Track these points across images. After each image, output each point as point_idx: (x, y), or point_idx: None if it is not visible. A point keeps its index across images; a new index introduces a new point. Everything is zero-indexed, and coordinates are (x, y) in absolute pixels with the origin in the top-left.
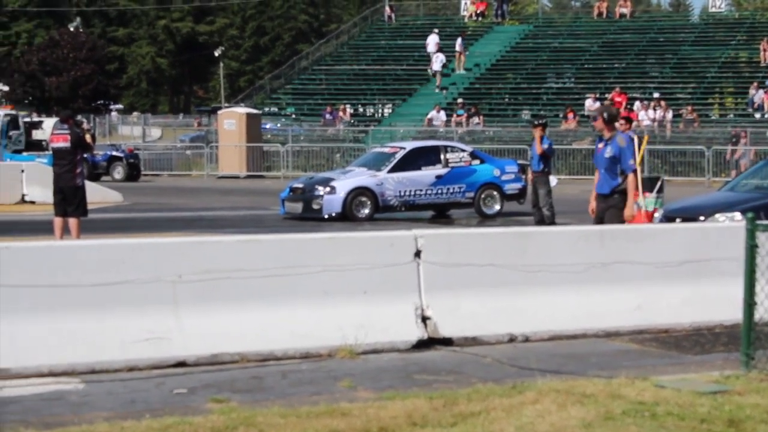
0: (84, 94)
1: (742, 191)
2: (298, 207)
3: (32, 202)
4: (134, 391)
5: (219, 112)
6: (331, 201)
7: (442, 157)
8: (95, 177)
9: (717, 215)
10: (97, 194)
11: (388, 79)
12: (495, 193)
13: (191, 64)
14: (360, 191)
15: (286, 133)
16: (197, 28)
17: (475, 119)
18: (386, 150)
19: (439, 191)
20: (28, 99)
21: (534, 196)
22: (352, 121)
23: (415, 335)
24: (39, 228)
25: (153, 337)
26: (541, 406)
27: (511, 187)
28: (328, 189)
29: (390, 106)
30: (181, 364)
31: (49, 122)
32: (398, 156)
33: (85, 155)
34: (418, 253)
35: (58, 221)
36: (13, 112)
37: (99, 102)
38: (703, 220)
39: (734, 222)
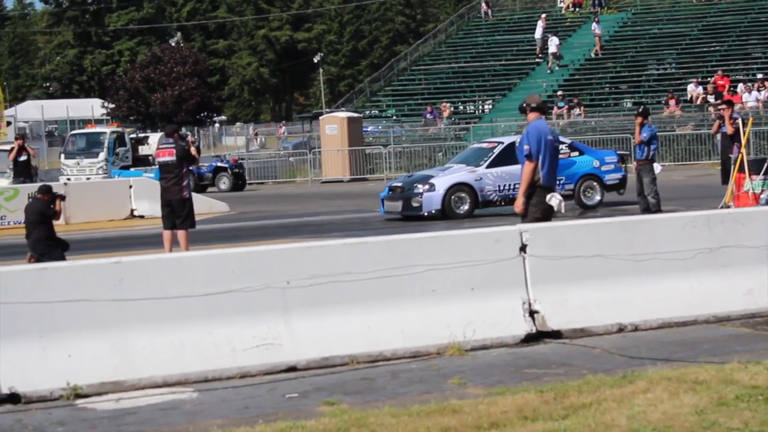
0: (188, 107)
1: None
2: (397, 206)
3: (141, 217)
4: (247, 398)
5: (320, 117)
6: (431, 198)
7: None
8: (201, 188)
9: None
10: (204, 205)
11: (487, 75)
12: (595, 183)
13: (291, 71)
14: (459, 187)
15: (388, 134)
16: (296, 35)
17: (576, 110)
18: (484, 145)
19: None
20: (133, 116)
21: (639, 185)
22: (453, 119)
23: (523, 329)
24: (149, 241)
25: (264, 343)
26: (653, 395)
27: (611, 178)
28: (427, 186)
29: (490, 102)
30: (292, 368)
31: (154, 137)
32: (496, 151)
33: (190, 168)
34: (523, 248)
35: (167, 234)
36: (120, 129)
37: (202, 114)
38: None
39: None
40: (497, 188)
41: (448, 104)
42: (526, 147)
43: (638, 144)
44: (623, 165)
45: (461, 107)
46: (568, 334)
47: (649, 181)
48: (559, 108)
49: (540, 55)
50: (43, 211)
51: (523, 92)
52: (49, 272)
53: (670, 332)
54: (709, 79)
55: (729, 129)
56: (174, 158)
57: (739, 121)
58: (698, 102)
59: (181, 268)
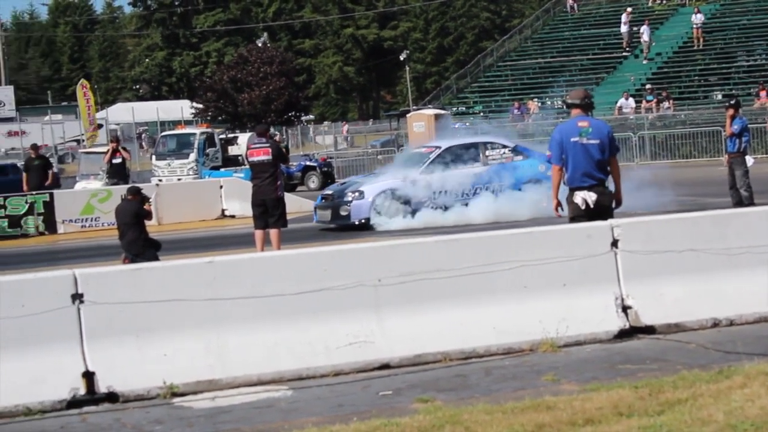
0: (276, 107)
1: None
2: (327, 214)
3: (232, 216)
4: (341, 395)
5: (407, 115)
6: (360, 206)
7: (481, 154)
8: (291, 188)
9: None
10: (294, 204)
11: (574, 70)
12: (540, 187)
13: (377, 69)
14: (390, 194)
15: (476, 131)
16: (382, 33)
17: (665, 104)
18: (423, 150)
19: (477, 191)
20: (221, 116)
21: (730, 178)
22: (541, 115)
23: (616, 325)
24: (240, 241)
25: (357, 341)
26: (750, 390)
27: None
28: (356, 194)
29: None
30: (384, 366)
31: (243, 138)
32: (433, 155)
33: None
34: (615, 243)
35: (259, 234)
36: (209, 129)
37: (290, 114)
38: None
39: None
40: (432, 195)
41: (536, 100)
42: (548, 153)
43: (729, 136)
44: None
45: (549, 103)
46: (661, 329)
47: (742, 174)
48: (647, 101)
49: (627, 49)
50: (137, 211)
51: (611, 86)
52: (144, 272)
53: (766, 327)
54: None
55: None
56: (269, 157)
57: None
58: None
59: (273, 267)
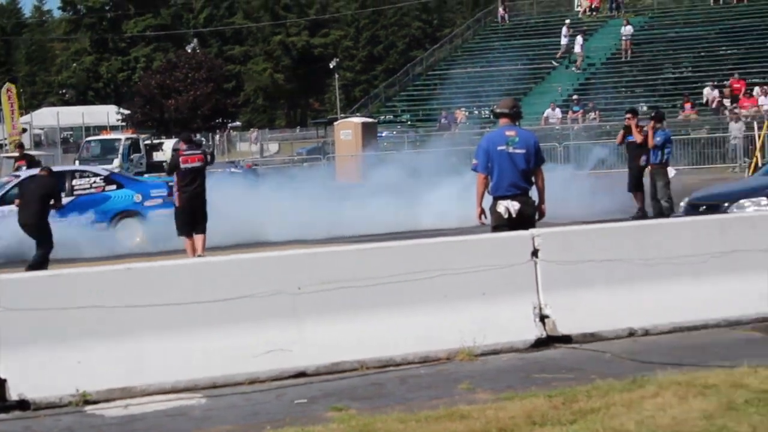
0: (203, 113)
1: None
2: None
3: None
4: (256, 403)
5: (335, 123)
6: None
7: (66, 184)
8: None
9: (743, 201)
10: None
11: (502, 80)
12: (134, 221)
13: (307, 77)
14: None
15: (402, 140)
16: (312, 41)
17: (592, 115)
18: (3, 179)
19: (59, 224)
20: (148, 122)
21: (652, 189)
22: (468, 124)
23: (533, 334)
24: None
25: (274, 349)
26: (662, 400)
27: (158, 214)
28: None
29: None
30: (301, 374)
31: (168, 143)
32: (9, 186)
33: None
34: (535, 252)
35: (189, 242)
36: (134, 135)
37: (217, 120)
38: (727, 207)
39: None
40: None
41: (463, 109)
42: (473, 162)
43: (652, 148)
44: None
45: (476, 112)
46: (578, 338)
47: (663, 185)
48: (574, 112)
49: (559, 60)
50: (45, 188)
51: (539, 97)
52: (60, 279)
53: (681, 337)
54: (725, 82)
55: (638, 138)
56: (203, 164)
57: (648, 129)
58: (714, 105)
59: (191, 275)
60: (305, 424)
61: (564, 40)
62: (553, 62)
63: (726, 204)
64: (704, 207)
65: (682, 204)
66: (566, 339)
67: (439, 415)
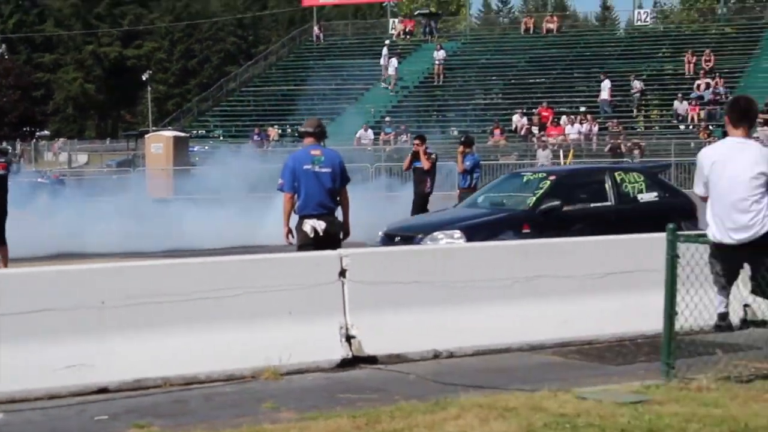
0: (10, 121)
1: (477, 207)
2: None
3: None
4: (55, 419)
5: (146, 135)
6: None
7: None
8: None
9: (436, 233)
10: None
11: (316, 98)
12: None
13: (119, 88)
14: None
15: (214, 155)
16: (125, 52)
17: (403, 137)
18: None
19: None
20: None
21: None
22: (281, 142)
23: (339, 354)
24: None
25: (75, 363)
26: (464, 422)
27: None
28: None
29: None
30: (103, 390)
31: None
32: None
33: None
34: (342, 272)
35: None
36: None
37: (25, 129)
38: (421, 239)
39: (654, 234)
40: None
41: (276, 127)
42: (279, 182)
43: (461, 172)
44: None
45: (289, 130)
46: (383, 359)
47: None
48: (386, 134)
49: (379, 80)
50: None
51: (352, 116)
52: None
53: (485, 359)
54: (533, 109)
55: (425, 164)
56: (6, 172)
57: (434, 156)
58: (522, 132)
59: None
60: None
61: (383, 61)
62: (382, 84)
63: (420, 236)
64: (398, 238)
65: (380, 233)
66: (372, 360)
67: None
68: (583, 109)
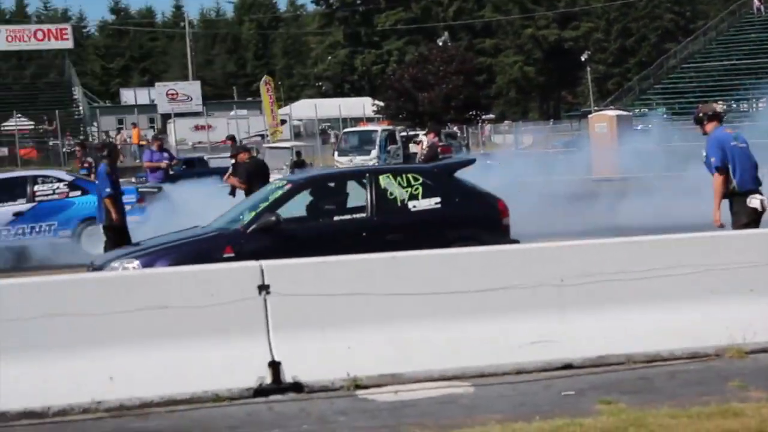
0: (456, 106)
1: (206, 226)
2: None
3: None
4: (523, 394)
5: (589, 116)
6: None
7: (28, 189)
8: None
9: (114, 263)
10: None
11: (761, 73)
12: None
13: (558, 70)
14: None
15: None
16: (563, 34)
17: None
18: None
19: (20, 231)
20: (401, 114)
21: None
22: (726, 118)
23: None
24: None
25: (540, 340)
26: None
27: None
28: None
29: (764, 100)
30: (567, 366)
31: (423, 137)
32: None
33: None
34: None
35: None
36: (391, 127)
37: (470, 113)
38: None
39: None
40: None
41: (722, 102)
42: (712, 159)
43: None
44: (144, 204)
45: (734, 105)
46: None
47: None
48: None
49: None
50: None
51: None
52: (328, 266)
53: None
54: None
55: None
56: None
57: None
58: None
59: (455, 264)
60: (574, 416)
61: None
62: None
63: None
64: (91, 269)
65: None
66: None
67: (711, 411)
68: None
